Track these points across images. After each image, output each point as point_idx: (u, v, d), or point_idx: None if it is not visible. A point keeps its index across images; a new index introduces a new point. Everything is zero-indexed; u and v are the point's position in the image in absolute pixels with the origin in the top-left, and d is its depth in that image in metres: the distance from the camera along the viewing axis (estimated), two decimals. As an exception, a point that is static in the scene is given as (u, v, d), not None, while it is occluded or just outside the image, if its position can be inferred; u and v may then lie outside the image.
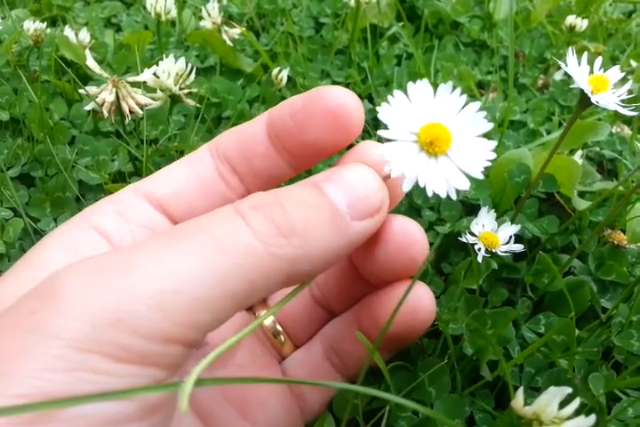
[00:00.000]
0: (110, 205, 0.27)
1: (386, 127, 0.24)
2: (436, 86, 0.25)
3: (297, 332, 0.35)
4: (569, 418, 0.25)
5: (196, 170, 0.29)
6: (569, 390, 0.26)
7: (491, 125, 0.25)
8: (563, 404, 0.26)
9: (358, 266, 0.31)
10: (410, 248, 0.29)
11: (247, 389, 0.31)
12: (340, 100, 0.27)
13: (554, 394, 0.26)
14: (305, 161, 0.29)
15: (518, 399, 0.27)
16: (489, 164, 0.24)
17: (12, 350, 0.19)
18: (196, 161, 0.29)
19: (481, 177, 0.24)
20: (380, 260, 0.29)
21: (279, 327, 0.34)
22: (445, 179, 0.24)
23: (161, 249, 0.21)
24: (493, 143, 0.25)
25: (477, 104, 0.25)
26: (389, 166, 0.24)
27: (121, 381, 0.19)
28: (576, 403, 0.26)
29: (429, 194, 0.24)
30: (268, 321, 0.34)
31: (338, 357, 0.33)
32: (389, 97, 0.24)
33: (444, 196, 0.24)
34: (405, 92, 0.25)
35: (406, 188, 0.24)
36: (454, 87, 0.25)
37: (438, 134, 0.24)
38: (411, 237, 0.29)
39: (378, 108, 0.24)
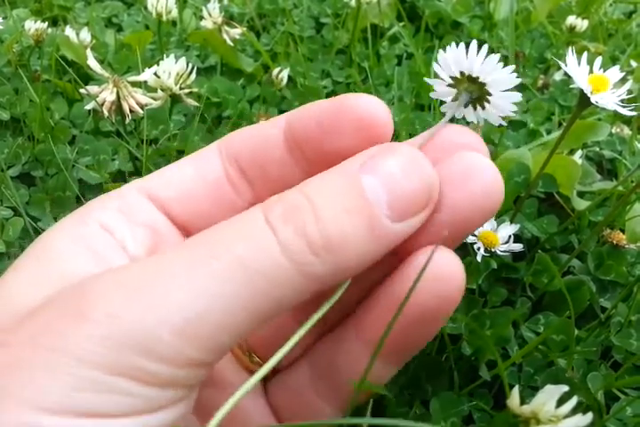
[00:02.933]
0: (113, 202, 0.26)
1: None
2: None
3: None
4: (566, 416, 0.26)
5: (203, 172, 0.27)
6: (566, 388, 0.26)
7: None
8: (560, 403, 0.26)
9: None
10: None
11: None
12: (373, 110, 0.25)
13: (551, 392, 0.26)
14: (322, 169, 0.26)
15: (514, 398, 0.27)
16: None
17: (38, 367, 0.19)
18: (204, 162, 0.28)
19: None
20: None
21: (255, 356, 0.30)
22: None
23: (188, 271, 0.21)
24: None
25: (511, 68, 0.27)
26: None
27: (147, 401, 0.20)
28: (573, 401, 0.26)
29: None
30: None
31: (327, 384, 0.28)
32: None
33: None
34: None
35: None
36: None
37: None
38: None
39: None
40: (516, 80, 0.26)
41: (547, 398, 0.26)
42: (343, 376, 0.27)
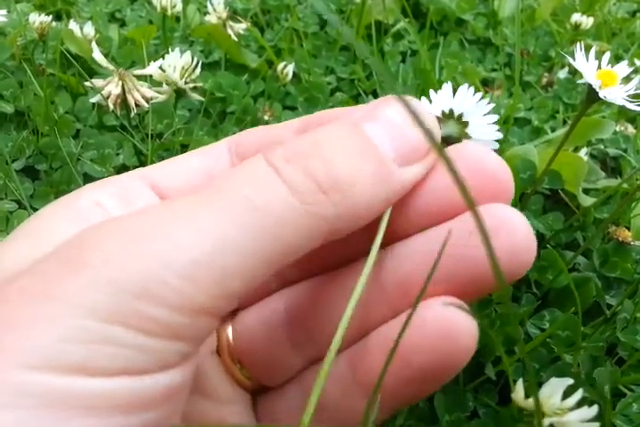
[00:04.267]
0: (112, 186, 0.25)
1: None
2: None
3: (262, 374, 0.27)
4: (572, 409, 0.26)
5: (209, 167, 0.27)
6: (570, 381, 0.26)
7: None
8: (565, 397, 0.26)
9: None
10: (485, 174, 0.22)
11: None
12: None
13: (556, 385, 0.26)
14: None
15: (519, 391, 0.27)
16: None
17: (24, 316, 0.17)
18: (211, 157, 0.27)
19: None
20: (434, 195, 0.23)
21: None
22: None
23: (193, 211, 0.19)
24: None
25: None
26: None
27: (144, 356, 0.18)
28: (579, 394, 0.26)
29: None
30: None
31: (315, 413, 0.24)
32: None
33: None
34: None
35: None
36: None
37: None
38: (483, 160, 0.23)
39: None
40: (494, 127, 0.28)
41: (552, 390, 0.26)
42: (331, 409, 0.24)
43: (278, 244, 0.20)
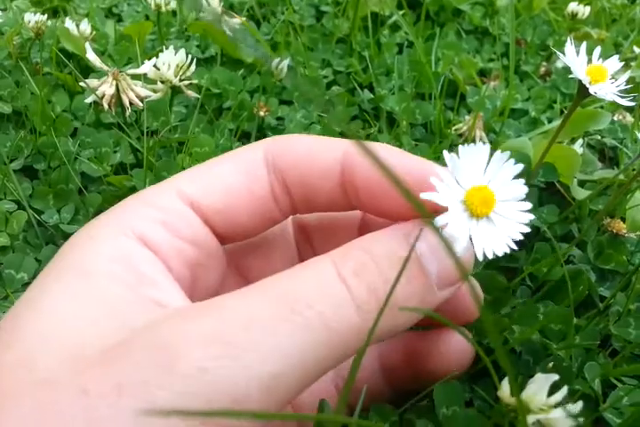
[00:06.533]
0: (155, 213, 0.26)
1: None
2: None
3: None
4: (557, 405, 0.26)
5: (250, 185, 0.28)
6: (556, 377, 0.26)
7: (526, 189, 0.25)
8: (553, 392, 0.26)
9: None
10: None
11: None
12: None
13: (542, 381, 0.26)
14: (370, 209, 0.28)
15: (504, 389, 0.27)
16: (527, 229, 0.25)
17: (124, 417, 0.19)
18: (251, 173, 0.28)
19: (521, 237, 0.25)
20: None
21: None
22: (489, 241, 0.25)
23: (274, 325, 0.21)
24: (529, 205, 0.26)
25: (520, 167, 0.25)
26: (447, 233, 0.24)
27: None
28: (564, 391, 0.26)
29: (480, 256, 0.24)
30: None
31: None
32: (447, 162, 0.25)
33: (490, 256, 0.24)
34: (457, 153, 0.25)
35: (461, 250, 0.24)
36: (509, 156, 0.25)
37: (484, 199, 0.25)
38: None
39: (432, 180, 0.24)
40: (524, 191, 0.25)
41: (538, 387, 0.26)
42: (358, 384, 0.29)
43: (337, 357, 0.23)
